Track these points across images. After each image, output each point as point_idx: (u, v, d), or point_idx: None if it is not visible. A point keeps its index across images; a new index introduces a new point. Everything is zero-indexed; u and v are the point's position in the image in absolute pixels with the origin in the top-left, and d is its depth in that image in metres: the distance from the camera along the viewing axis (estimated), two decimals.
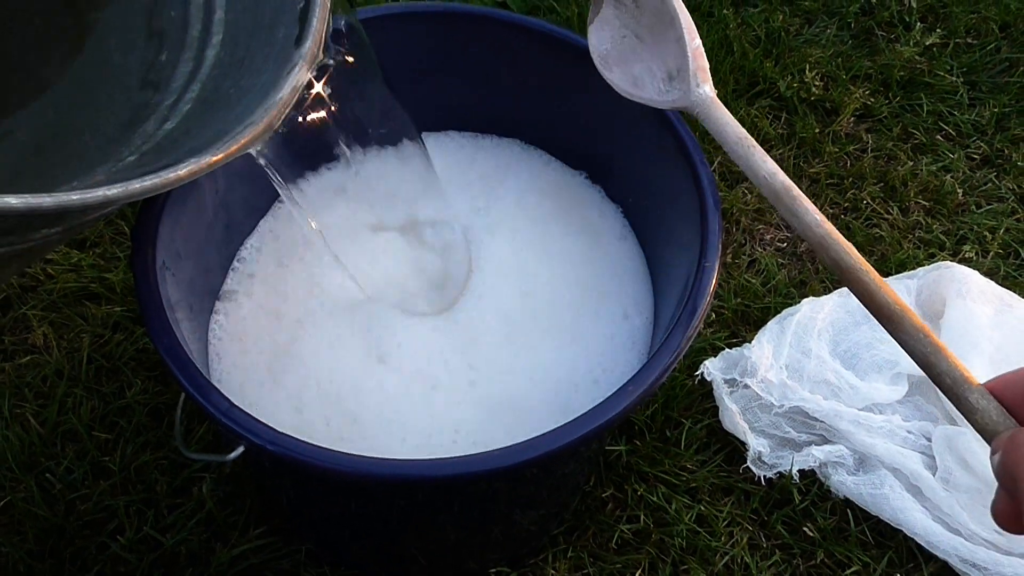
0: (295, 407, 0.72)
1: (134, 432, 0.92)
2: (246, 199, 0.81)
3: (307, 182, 0.83)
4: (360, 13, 0.74)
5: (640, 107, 0.69)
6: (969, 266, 1.03)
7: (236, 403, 0.59)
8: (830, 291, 1.03)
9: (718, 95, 0.63)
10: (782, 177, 0.57)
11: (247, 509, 0.88)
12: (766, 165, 0.58)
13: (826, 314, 0.97)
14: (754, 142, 0.59)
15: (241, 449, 0.59)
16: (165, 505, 0.88)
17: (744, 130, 0.60)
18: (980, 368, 0.92)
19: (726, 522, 0.90)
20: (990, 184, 1.18)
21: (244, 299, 0.78)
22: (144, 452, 0.91)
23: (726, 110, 0.62)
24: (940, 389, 0.48)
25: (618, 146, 0.81)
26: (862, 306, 0.52)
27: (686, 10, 0.65)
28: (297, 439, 0.58)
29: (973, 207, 1.15)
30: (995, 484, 0.43)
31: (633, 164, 0.81)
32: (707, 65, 0.64)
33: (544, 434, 0.58)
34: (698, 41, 0.64)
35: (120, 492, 0.88)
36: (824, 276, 1.07)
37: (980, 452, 0.86)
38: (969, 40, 1.34)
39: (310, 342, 0.75)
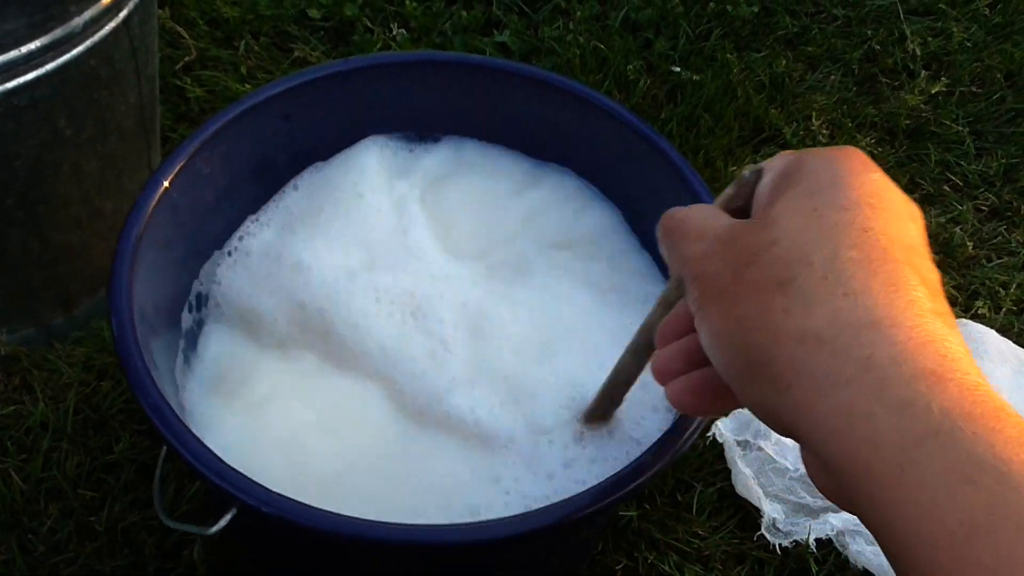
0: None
1: (122, 490, 0.88)
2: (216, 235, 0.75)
3: None
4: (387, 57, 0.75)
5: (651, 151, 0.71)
6: (982, 323, 1.01)
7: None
8: None
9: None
10: None
11: (239, 575, 0.84)
12: None
13: None
14: None
15: (226, 520, 0.56)
16: (153, 570, 0.83)
17: None
18: None
19: None
20: (1000, 237, 1.16)
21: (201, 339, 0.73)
22: (132, 512, 0.86)
23: None
24: None
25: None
26: None
27: None
28: (296, 501, 0.54)
29: (984, 261, 1.13)
30: None
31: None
32: None
33: (559, 503, 0.56)
34: None
35: (107, 555, 0.84)
36: None
37: None
38: (974, 89, 1.33)
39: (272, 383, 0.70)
